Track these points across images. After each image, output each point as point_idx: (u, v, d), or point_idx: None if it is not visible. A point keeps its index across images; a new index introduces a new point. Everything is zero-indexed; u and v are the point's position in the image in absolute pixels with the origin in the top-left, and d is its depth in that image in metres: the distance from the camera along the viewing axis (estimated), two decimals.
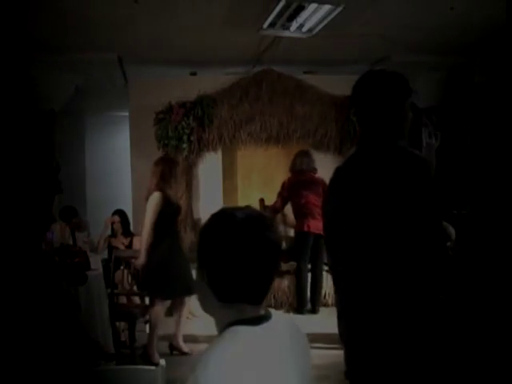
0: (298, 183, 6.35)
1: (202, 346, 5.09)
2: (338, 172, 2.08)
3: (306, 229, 6.26)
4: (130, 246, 5.84)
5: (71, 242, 5.68)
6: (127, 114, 7.58)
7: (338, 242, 2.00)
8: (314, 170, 6.41)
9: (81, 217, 6.39)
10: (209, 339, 5.19)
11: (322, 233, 2.20)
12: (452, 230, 4.14)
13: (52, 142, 7.26)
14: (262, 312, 1.36)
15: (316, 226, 6.09)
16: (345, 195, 1.99)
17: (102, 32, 5.83)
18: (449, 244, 3.87)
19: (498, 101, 6.44)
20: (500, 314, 2.96)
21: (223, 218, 1.35)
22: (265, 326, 1.32)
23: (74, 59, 6.58)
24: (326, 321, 4.90)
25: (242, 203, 7.62)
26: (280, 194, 6.46)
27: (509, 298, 3.03)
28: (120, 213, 6.00)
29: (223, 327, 1.32)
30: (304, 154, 6.51)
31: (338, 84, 7.31)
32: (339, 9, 4.72)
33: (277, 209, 6.47)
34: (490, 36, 6.03)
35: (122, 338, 5.05)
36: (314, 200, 6.17)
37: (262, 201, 7.12)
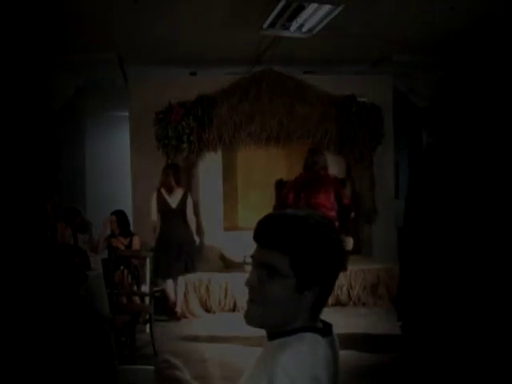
0: (309, 181, 6.21)
1: (203, 346, 5.09)
2: (429, 150, 2.03)
3: None
4: (129, 245, 5.83)
5: (72, 243, 5.67)
6: (127, 114, 7.58)
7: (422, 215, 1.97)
8: (326, 168, 6.31)
9: (83, 217, 6.37)
10: (209, 339, 5.17)
11: None
12: None
13: (52, 142, 7.26)
14: (320, 324, 1.37)
15: None
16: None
17: (102, 32, 5.83)
18: None
19: (497, 100, 6.44)
20: None
21: (316, 229, 1.30)
22: (328, 339, 1.34)
23: (74, 59, 6.58)
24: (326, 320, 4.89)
25: (242, 203, 7.62)
26: (292, 189, 6.26)
27: None
28: (118, 213, 5.98)
29: (291, 331, 1.30)
30: (316, 151, 6.42)
31: (338, 84, 7.32)
32: (339, 9, 4.71)
33: (289, 205, 6.25)
34: (489, 36, 6.03)
35: (122, 338, 5.05)
36: (323, 200, 6.08)
37: (279, 182, 7.05)
